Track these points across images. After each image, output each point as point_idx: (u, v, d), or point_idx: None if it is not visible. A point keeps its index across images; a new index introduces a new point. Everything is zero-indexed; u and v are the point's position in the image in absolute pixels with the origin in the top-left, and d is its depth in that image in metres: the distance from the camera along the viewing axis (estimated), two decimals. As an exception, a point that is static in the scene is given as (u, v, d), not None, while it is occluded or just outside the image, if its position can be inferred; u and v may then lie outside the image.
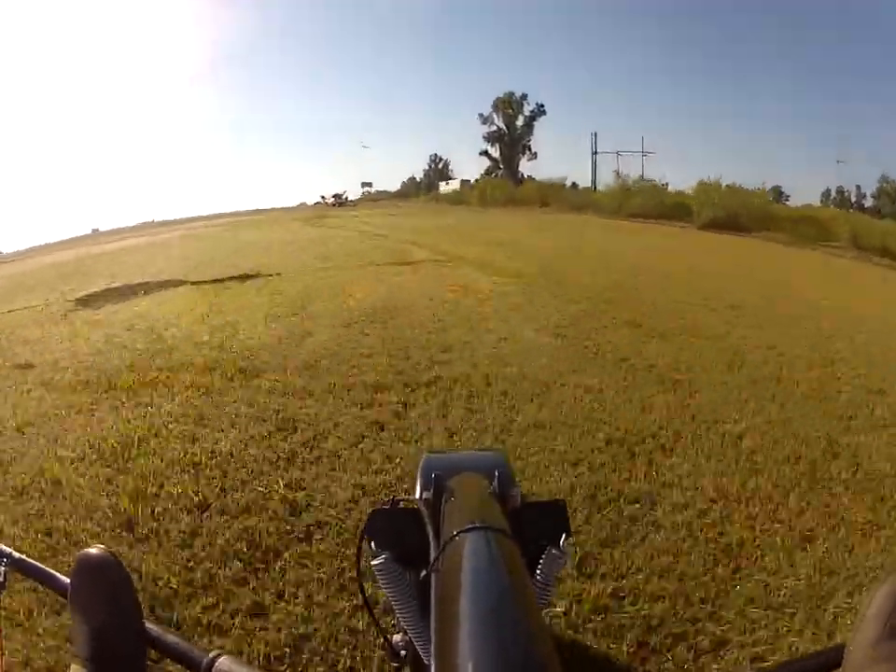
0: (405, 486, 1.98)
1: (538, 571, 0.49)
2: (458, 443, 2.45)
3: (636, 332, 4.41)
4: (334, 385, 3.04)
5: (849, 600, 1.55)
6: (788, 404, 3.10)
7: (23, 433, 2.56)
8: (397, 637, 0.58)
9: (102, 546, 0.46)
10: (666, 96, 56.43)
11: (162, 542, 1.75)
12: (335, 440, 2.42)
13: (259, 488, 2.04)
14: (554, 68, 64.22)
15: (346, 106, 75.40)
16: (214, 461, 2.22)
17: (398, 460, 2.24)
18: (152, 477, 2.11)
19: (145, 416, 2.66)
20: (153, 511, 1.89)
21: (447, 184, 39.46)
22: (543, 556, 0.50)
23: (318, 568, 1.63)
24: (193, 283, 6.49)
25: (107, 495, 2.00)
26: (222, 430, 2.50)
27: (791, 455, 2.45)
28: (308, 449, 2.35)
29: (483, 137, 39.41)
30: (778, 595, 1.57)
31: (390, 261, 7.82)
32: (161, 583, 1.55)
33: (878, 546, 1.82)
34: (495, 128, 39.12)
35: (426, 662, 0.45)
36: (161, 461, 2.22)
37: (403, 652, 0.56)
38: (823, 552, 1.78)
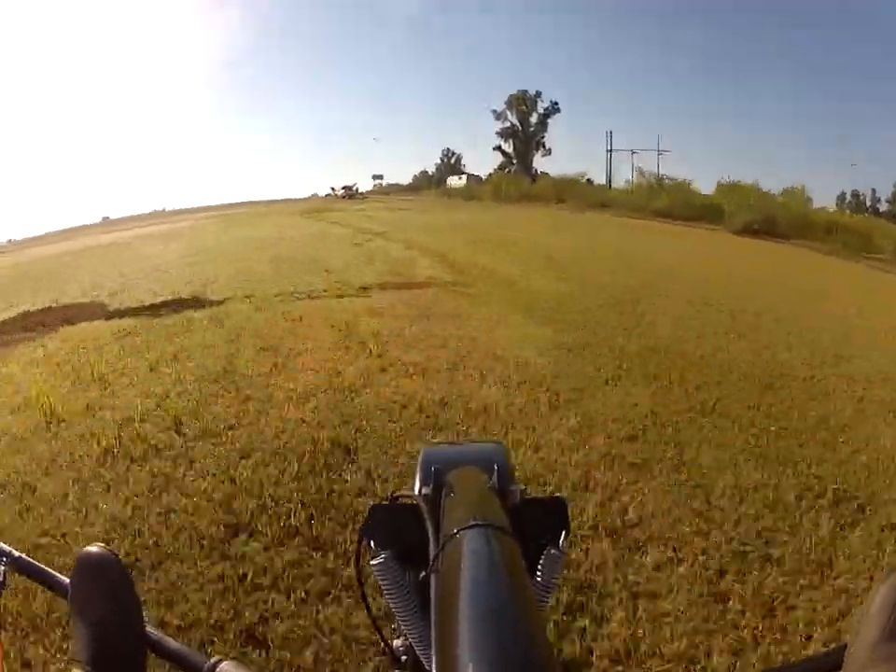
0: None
1: (538, 570, 0.46)
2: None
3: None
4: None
5: None
6: None
7: None
8: (397, 642, 0.53)
9: (102, 545, 0.45)
10: (666, 95, 55.09)
11: None
12: None
13: None
14: (563, 66, 62.71)
15: (360, 98, 74.23)
16: None
17: None
18: None
19: None
20: None
21: (459, 178, 38.86)
22: (544, 555, 0.47)
23: None
24: (102, 318, 5.02)
25: None
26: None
27: None
28: None
29: (497, 133, 39.01)
30: None
31: (379, 281, 6.14)
32: None
33: None
34: (508, 124, 38.65)
35: (426, 664, 0.43)
36: None
37: (404, 657, 0.52)
38: None
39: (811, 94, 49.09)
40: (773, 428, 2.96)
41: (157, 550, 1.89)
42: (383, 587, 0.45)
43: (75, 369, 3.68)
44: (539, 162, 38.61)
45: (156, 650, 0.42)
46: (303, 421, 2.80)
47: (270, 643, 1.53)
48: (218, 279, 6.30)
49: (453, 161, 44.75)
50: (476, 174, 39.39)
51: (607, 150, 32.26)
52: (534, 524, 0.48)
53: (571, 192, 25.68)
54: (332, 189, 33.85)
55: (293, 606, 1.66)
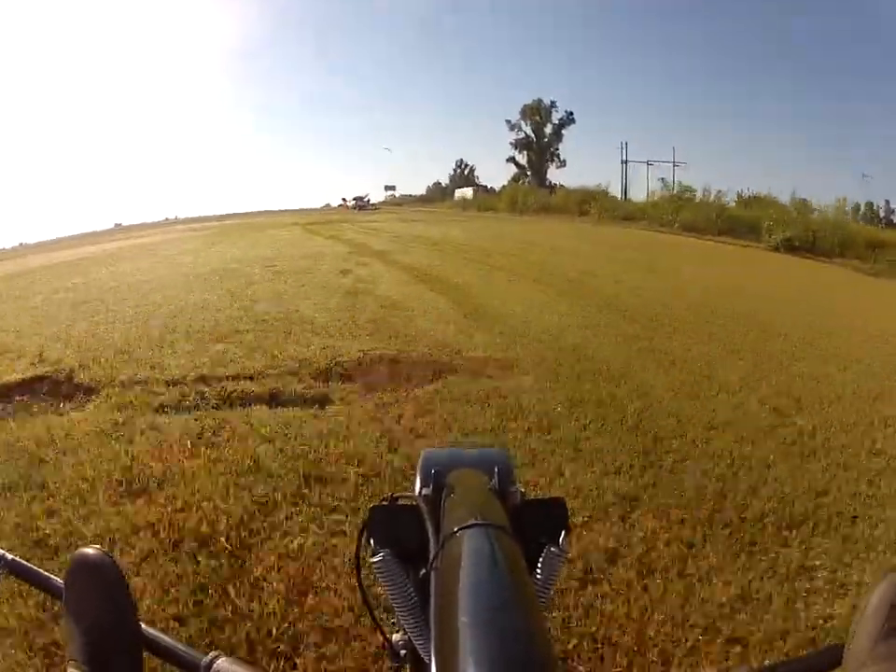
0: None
1: (538, 570, 0.46)
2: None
3: None
4: None
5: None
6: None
7: None
8: (396, 637, 0.53)
9: (97, 546, 0.44)
10: (666, 95, 54.51)
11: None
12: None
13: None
14: (575, 77, 61.43)
15: (374, 110, 73.69)
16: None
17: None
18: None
19: None
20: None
21: (474, 191, 37.47)
22: (543, 555, 0.46)
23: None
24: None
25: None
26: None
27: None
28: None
29: (511, 144, 37.83)
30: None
31: (353, 358, 3.84)
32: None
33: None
34: (522, 135, 37.57)
35: (425, 661, 0.43)
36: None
37: (403, 652, 0.52)
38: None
39: (811, 94, 48.74)
40: None
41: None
42: (383, 583, 0.45)
43: None
44: (553, 174, 37.64)
45: (152, 648, 0.43)
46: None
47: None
48: (115, 343, 3.86)
49: (466, 172, 43.81)
50: (488, 185, 38.46)
51: (621, 161, 31.03)
52: (534, 524, 0.47)
53: (596, 205, 24.42)
54: (344, 199, 33.65)
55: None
